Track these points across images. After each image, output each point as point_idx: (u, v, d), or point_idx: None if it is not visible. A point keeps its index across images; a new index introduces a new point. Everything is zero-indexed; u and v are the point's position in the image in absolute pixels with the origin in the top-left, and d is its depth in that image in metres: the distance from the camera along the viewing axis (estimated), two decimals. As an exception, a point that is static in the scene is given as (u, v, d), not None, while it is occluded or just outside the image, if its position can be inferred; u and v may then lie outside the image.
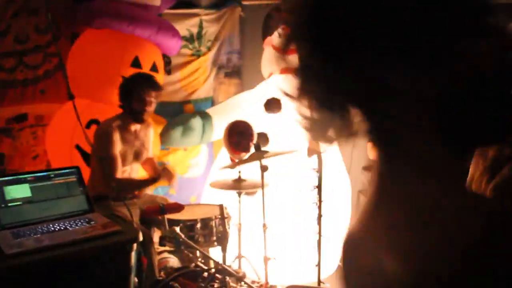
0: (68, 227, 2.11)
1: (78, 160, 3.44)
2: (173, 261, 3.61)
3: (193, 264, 2.69)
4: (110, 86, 3.60)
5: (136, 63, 3.65)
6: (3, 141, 3.65)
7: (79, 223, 2.16)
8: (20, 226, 2.09)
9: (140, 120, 3.10)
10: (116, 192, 2.70)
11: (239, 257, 3.03)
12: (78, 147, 3.48)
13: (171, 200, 3.28)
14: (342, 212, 3.75)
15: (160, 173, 3.10)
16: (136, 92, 3.04)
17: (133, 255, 2.10)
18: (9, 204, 2.14)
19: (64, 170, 2.38)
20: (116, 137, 2.96)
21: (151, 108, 3.11)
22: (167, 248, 3.21)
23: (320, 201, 2.68)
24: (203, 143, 4.16)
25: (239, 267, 3.03)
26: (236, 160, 3.09)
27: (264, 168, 2.76)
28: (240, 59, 4.74)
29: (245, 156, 3.09)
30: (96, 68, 3.59)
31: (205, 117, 4.04)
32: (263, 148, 2.95)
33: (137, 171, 3.32)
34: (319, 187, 2.67)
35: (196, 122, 3.97)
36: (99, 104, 3.60)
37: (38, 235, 2.00)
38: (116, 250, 2.06)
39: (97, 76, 3.59)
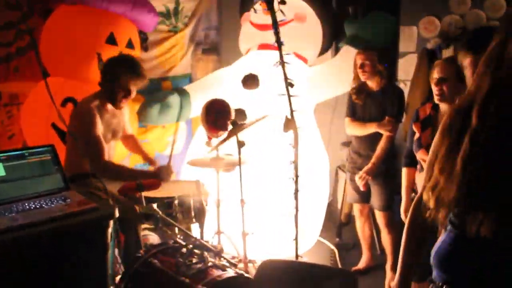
0: (43, 205, 2.10)
1: (55, 139, 3.41)
2: (153, 238, 3.64)
3: (171, 241, 2.71)
4: (85, 63, 3.57)
5: (111, 39, 3.60)
6: (-23, 120, 3.60)
7: (55, 201, 2.15)
8: (-5, 205, 2.08)
9: (118, 106, 3.04)
10: (101, 176, 2.61)
11: (218, 232, 3.06)
12: (54, 126, 3.44)
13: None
14: (320, 187, 3.79)
15: (159, 170, 3.02)
16: (121, 79, 2.94)
17: (110, 232, 2.10)
18: (-17, 183, 2.12)
19: (39, 149, 2.35)
20: (97, 117, 2.91)
21: (131, 96, 3.05)
22: (146, 225, 3.23)
23: (296, 176, 2.70)
24: (181, 120, 4.14)
25: (218, 242, 3.06)
26: (213, 143, 3.09)
27: (241, 144, 2.77)
28: (217, 35, 4.71)
29: (223, 134, 3.09)
30: (71, 45, 3.53)
31: (183, 94, 4.02)
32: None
33: (114, 149, 3.30)
34: (295, 162, 2.69)
35: (174, 99, 3.94)
36: (74, 81, 3.55)
37: (13, 214, 1.99)
38: (92, 227, 2.06)
39: (72, 53, 3.54)
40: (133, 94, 3.03)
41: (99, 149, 2.89)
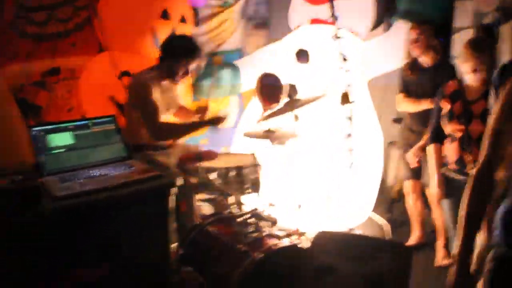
0: (109, 172, 2.19)
1: (113, 111, 3.52)
2: (207, 208, 3.72)
3: (227, 210, 2.77)
4: (140, 37, 3.65)
5: (165, 14, 3.66)
6: (39, 94, 3.74)
7: (120, 168, 2.24)
8: (65, 171, 2.18)
9: (175, 83, 3.12)
10: (158, 139, 2.70)
11: (270, 204, 3.10)
12: (112, 98, 3.55)
13: (203, 149, 3.35)
14: (374, 162, 3.77)
15: (211, 118, 3.08)
16: (180, 59, 3.01)
17: (172, 199, 2.18)
18: (53, 151, 2.23)
19: (102, 119, 2.44)
20: (152, 88, 2.99)
21: (189, 75, 3.12)
22: (200, 196, 3.31)
23: (351, 149, 2.70)
24: (232, 94, 4.19)
25: (270, 214, 3.11)
26: (267, 113, 3.11)
27: (295, 118, 2.78)
28: (268, 10, 4.69)
29: (276, 106, 3.11)
30: (126, 20, 3.62)
31: (234, 68, 4.05)
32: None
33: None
34: (350, 135, 2.69)
35: (225, 73, 3.98)
36: (130, 55, 3.64)
37: (82, 180, 2.09)
38: (156, 194, 2.13)
39: (127, 28, 3.63)
40: (191, 72, 3.08)
41: (154, 112, 2.96)
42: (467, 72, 2.73)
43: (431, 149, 2.98)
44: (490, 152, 1.55)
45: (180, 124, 3.19)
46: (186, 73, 3.07)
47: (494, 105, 1.54)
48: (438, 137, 2.94)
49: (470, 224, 1.64)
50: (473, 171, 1.64)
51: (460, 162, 2.74)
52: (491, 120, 1.55)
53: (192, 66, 3.07)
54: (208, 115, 3.21)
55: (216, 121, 3.04)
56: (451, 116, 2.79)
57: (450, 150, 2.81)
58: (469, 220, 1.64)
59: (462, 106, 2.75)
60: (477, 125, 2.67)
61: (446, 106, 2.83)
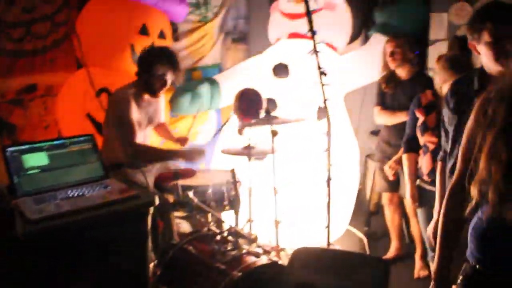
0: (85, 193, 2.17)
1: (90, 129, 3.49)
2: (185, 226, 3.71)
3: (205, 228, 2.76)
4: (119, 53, 3.64)
5: (144, 30, 3.66)
6: (14, 112, 3.70)
7: (96, 188, 2.22)
8: (39, 193, 2.16)
9: (154, 94, 3.09)
10: (133, 159, 2.71)
11: (250, 221, 3.10)
12: (89, 116, 3.53)
13: (180, 166, 3.34)
14: (350, 176, 3.81)
15: (189, 150, 3.07)
16: (156, 69, 2.99)
17: (149, 218, 2.17)
18: (28, 172, 2.21)
19: (79, 138, 2.43)
20: (133, 103, 2.98)
21: (167, 86, 3.10)
22: (178, 214, 3.29)
23: (329, 164, 2.73)
24: (211, 109, 4.19)
25: (250, 230, 3.11)
26: (246, 130, 3.12)
27: (274, 133, 2.80)
28: (246, 25, 4.72)
29: (254, 122, 3.12)
30: (104, 36, 3.61)
31: (213, 83, 4.06)
32: (272, 114, 2.98)
33: (150, 137, 3.37)
34: (328, 150, 2.71)
35: (204, 88, 3.99)
36: (108, 72, 3.62)
37: (58, 201, 2.07)
38: (133, 214, 2.13)
39: (106, 45, 3.62)
40: (169, 83, 3.08)
41: (131, 132, 2.93)
42: (441, 83, 2.77)
43: (405, 158, 3.03)
44: (463, 167, 1.57)
45: (156, 149, 3.15)
46: (163, 84, 3.05)
47: (468, 121, 1.56)
48: (412, 147, 2.98)
49: (446, 240, 1.66)
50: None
51: (433, 173, 2.77)
52: (463, 135, 1.58)
53: (169, 76, 3.05)
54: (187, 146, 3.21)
55: (192, 156, 3.01)
56: (425, 128, 2.83)
57: (424, 162, 2.85)
58: (445, 236, 1.66)
59: (436, 118, 2.77)
60: None
61: (420, 117, 2.86)
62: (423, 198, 2.89)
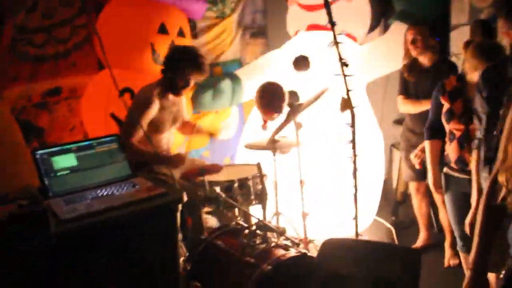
0: (114, 192, 2.20)
1: (114, 129, 3.52)
2: (212, 221, 3.73)
3: (233, 223, 2.78)
4: (139, 53, 3.66)
5: (163, 29, 3.68)
6: (40, 115, 3.76)
7: (125, 187, 2.25)
8: (70, 193, 2.20)
9: (177, 94, 3.10)
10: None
11: (277, 214, 3.11)
12: (113, 115, 3.56)
13: (206, 162, 3.36)
14: (376, 166, 3.78)
15: (169, 158, 3.01)
16: (182, 70, 3.00)
17: (178, 215, 2.19)
18: (58, 174, 2.25)
19: (105, 138, 2.46)
20: (153, 107, 2.96)
21: (190, 87, 3.11)
22: (205, 209, 3.32)
23: (354, 155, 2.71)
24: (233, 105, 4.20)
25: (277, 223, 3.12)
26: (269, 123, 3.12)
27: (298, 126, 2.79)
28: (264, 18, 4.72)
29: (278, 116, 3.12)
30: (124, 37, 3.62)
31: (234, 78, 4.06)
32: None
33: (174, 136, 3.38)
34: (353, 141, 2.69)
35: (226, 84, 4.00)
36: (129, 72, 3.65)
37: (88, 201, 2.10)
38: (162, 211, 2.15)
39: (126, 45, 3.63)
40: (192, 84, 3.09)
41: (131, 129, 2.91)
42: (470, 71, 2.69)
43: (427, 145, 2.98)
44: (504, 156, 1.53)
45: (145, 153, 3.08)
46: (186, 85, 3.06)
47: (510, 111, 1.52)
48: (435, 134, 2.93)
49: (486, 229, 1.64)
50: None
51: (460, 161, 2.73)
52: (506, 125, 1.53)
53: (194, 77, 3.05)
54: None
55: (173, 162, 2.95)
56: (452, 115, 2.76)
57: (450, 149, 2.79)
58: (485, 224, 1.64)
59: (462, 105, 2.72)
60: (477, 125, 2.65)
61: (446, 104, 2.80)
62: (451, 185, 2.84)
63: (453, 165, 2.79)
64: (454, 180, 2.80)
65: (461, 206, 2.67)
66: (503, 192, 1.46)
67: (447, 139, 2.84)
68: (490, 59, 2.55)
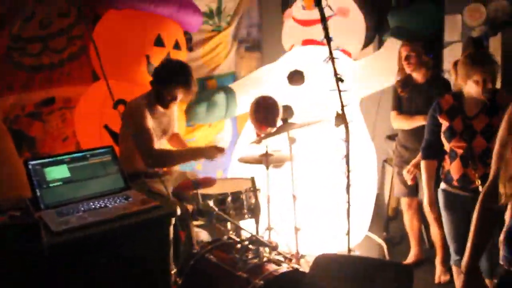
0: (108, 204, 2.18)
1: (107, 140, 3.52)
2: (203, 235, 3.71)
3: (225, 237, 2.77)
4: (135, 65, 3.67)
5: (159, 41, 3.69)
6: (33, 125, 3.75)
7: (118, 200, 2.23)
8: (62, 205, 2.17)
9: (165, 107, 3.12)
10: (153, 167, 2.71)
11: (269, 228, 3.10)
12: (106, 127, 3.55)
13: (199, 175, 3.35)
14: (368, 181, 3.79)
15: (208, 149, 3.07)
16: (169, 85, 3.02)
17: (171, 229, 2.17)
18: (50, 185, 2.23)
19: (99, 150, 2.44)
20: (147, 113, 3.00)
21: (177, 102, 3.13)
22: (196, 222, 3.30)
23: (348, 170, 2.71)
24: (227, 118, 4.21)
25: (269, 238, 3.10)
26: (263, 135, 3.13)
27: (292, 140, 2.80)
28: (259, 32, 4.75)
29: (271, 130, 3.13)
30: (120, 48, 3.63)
31: (229, 92, 4.08)
32: (289, 121, 2.99)
33: (164, 147, 3.39)
34: (347, 156, 2.70)
35: (220, 97, 4.01)
36: (125, 84, 3.65)
37: (81, 213, 2.08)
38: (156, 225, 2.13)
39: (121, 56, 3.64)
40: (179, 99, 3.10)
41: (149, 139, 2.94)
42: (463, 81, 2.69)
43: (423, 165, 2.97)
44: (496, 168, 1.63)
45: (175, 151, 3.18)
46: (173, 99, 3.07)
47: (500, 127, 1.63)
48: (431, 154, 2.93)
49: (480, 231, 1.68)
50: (482, 187, 1.70)
51: (464, 179, 2.72)
52: (497, 140, 1.64)
53: (181, 93, 3.06)
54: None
55: (212, 153, 3.02)
56: (453, 133, 2.74)
57: (452, 168, 2.77)
58: (479, 226, 1.68)
59: (462, 122, 2.71)
60: (480, 142, 2.65)
61: (445, 123, 2.79)
62: (451, 203, 2.82)
63: (454, 183, 2.78)
64: (454, 197, 2.79)
65: (461, 224, 2.67)
66: (502, 199, 1.52)
67: (447, 157, 2.83)
68: (481, 66, 2.59)
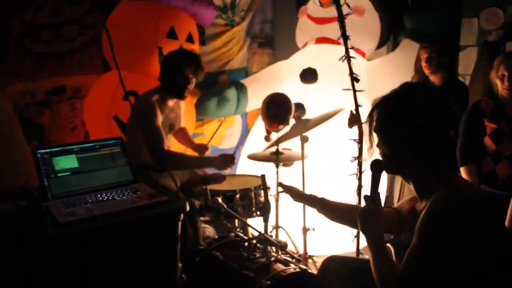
0: (115, 197, 2.15)
1: (116, 131, 3.48)
2: (209, 231, 3.68)
3: (232, 234, 2.72)
4: (147, 56, 3.63)
5: (171, 33, 3.65)
6: (43, 113, 3.73)
7: (126, 193, 2.19)
8: (69, 195, 2.14)
9: (181, 96, 3.08)
10: (159, 164, 2.69)
11: (277, 227, 3.05)
12: (116, 118, 3.52)
13: (207, 172, 3.31)
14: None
15: (218, 158, 3.00)
16: (179, 67, 2.98)
17: (179, 224, 2.14)
18: (58, 175, 2.19)
19: (109, 141, 2.41)
20: (158, 109, 2.96)
21: (192, 85, 3.08)
22: (203, 218, 3.26)
23: (360, 172, 2.67)
24: (237, 113, 4.16)
25: (276, 237, 3.06)
26: (273, 135, 3.08)
27: (304, 139, 2.75)
28: (273, 29, 4.70)
29: (283, 128, 3.08)
30: (132, 39, 3.59)
31: (240, 87, 4.03)
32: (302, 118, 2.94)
33: (170, 142, 3.35)
34: (359, 157, 2.66)
35: (231, 92, 3.97)
36: (136, 75, 3.61)
37: (88, 205, 2.04)
38: (164, 220, 2.09)
39: (134, 47, 3.60)
40: (193, 82, 3.06)
41: (159, 138, 2.92)
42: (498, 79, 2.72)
43: (464, 172, 2.86)
44: None
45: (185, 156, 3.11)
46: (187, 82, 3.03)
47: None
48: (473, 158, 2.85)
49: None
50: None
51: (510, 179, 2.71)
52: None
53: (191, 73, 3.02)
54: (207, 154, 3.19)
55: (222, 163, 2.96)
56: (502, 135, 2.73)
57: (499, 169, 2.76)
58: None
59: (508, 123, 2.71)
60: None
61: (491, 125, 2.76)
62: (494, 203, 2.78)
63: (501, 182, 2.74)
64: (498, 198, 2.75)
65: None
66: None
67: (490, 159, 2.80)
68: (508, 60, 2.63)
